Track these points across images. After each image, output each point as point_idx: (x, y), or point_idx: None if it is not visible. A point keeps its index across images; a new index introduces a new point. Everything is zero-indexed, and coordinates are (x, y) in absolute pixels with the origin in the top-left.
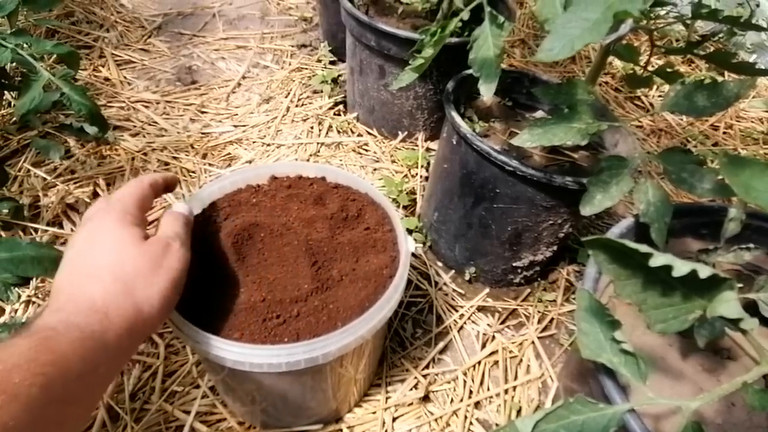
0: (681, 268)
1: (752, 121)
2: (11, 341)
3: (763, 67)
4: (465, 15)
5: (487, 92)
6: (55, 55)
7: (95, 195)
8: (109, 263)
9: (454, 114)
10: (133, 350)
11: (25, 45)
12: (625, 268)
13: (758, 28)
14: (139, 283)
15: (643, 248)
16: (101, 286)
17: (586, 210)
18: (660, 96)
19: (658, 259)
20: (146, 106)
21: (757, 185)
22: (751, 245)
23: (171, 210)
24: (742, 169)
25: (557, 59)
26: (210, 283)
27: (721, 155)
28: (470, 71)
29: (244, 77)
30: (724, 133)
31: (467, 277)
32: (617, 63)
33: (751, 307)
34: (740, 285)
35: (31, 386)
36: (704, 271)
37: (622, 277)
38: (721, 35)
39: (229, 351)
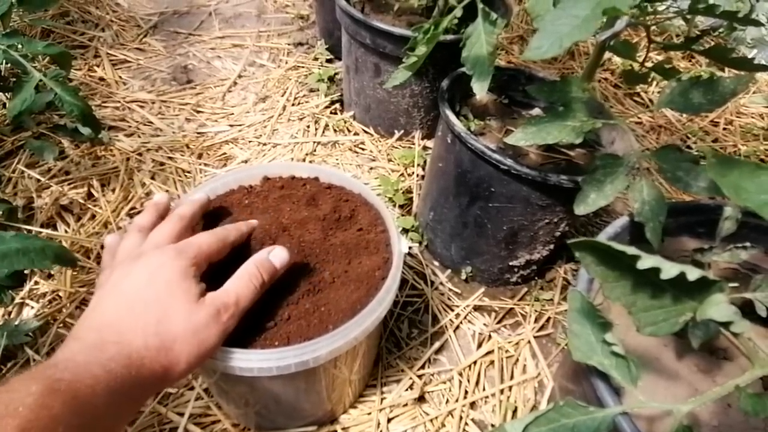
0: (669, 270)
1: (752, 117)
2: (47, 379)
3: (763, 62)
4: (458, 12)
5: (480, 90)
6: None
7: (89, 196)
8: (158, 315)
9: (449, 112)
10: (146, 400)
11: (18, 46)
12: (613, 270)
13: (756, 24)
14: (176, 346)
15: (631, 250)
16: (143, 339)
17: (580, 209)
18: (659, 92)
19: (646, 262)
20: (141, 106)
21: (747, 186)
22: (748, 244)
23: (262, 257)
24: (730, 170)
25: (546, 57)
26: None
27: (709, 156)
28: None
29: (240, 76)
30: (725, 129)
31: (463, 277)
32: (617, 59)
33: (747, 307)
34: (736, 284)
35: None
36: (693, 274)
37: (610, 279)
38: (721, 30)
39: (219, 356)
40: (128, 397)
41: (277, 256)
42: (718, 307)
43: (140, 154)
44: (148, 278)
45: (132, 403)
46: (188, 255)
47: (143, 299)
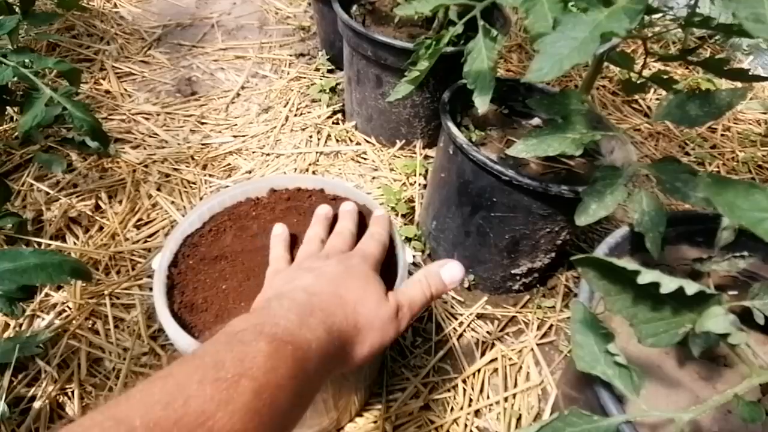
0: (668, 284)
1: (750, 123)
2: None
3: (759, 69)
4: (459, 29)
5: (481, 105)
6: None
7: (97, 208)
8: (356, 299)
9: (450, 124)
10: (329, 378)
11: (27, 62)
12: (614, 284)
13: (751, 36)
14: (366, 330)
15: (631, 266)
16: (344, 314)
17: (581, 220)
18: (657, 99)
19: (646, 276)
20: (147, 118)
21: (741, 204)
22: (746, 253)
23: (433, 270)
24: (725, 189)
25: (547, 79)
26: (212, 297)
27: (704, 176)
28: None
29: (243, 87)
30: (722, 135)
31: (466, 285)
32: (614, 67)
33: (747, 314)
34: (735, 293)
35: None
36: (691, 288)
37: (612, 293)
38: (717, 38)
39: None
40: (326, 369)
41: (448, 272)
42: (716, 320)
43: (146, 166)
44: (345, 270)
45: (326, 375)
46: (373, 259)
47: (345, 284)
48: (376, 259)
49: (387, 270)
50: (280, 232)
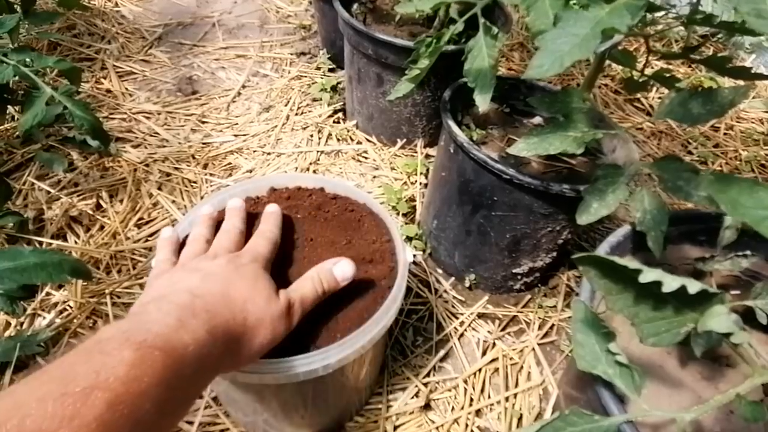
0: (671, 283)
1: (752, 122)
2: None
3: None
4: (459, 27)
5: (482, 103)
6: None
7: (98, 207)
8: (245, 297)
9: (451, 123)
10: (213, 378)
11: (27, 61)
12: (616, 283)
13: (753, 33)
14: (256, 327)
15: (633, 264)
16: (231, 313)
17: (583, 219)
18: (660, 97)
19: (647, 275)
20: (147, 117)
21: (744, 202)
22: (748, 252)
23: (326, 267)
24: (729, 187)
25: (547, 76)
26: None
27: (707, 174)
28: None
29: (243, 86)
30: (725, 134)
31: (467, 284)
32: (616, 65)
33: (749, 314)
34: (737, 292)
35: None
36: (693, 287)
37: (613, 291)
38: (720, 36)
39: None
40: (208, 370)
41: (340, 269)
42: (719, 319)
43: (147, 165)
44: (234, 269)
45: (208, 376)
46: (263, 258)
47: (233, 284)
48: (266, 257)
49: (389, 270)
50: (167, 236)
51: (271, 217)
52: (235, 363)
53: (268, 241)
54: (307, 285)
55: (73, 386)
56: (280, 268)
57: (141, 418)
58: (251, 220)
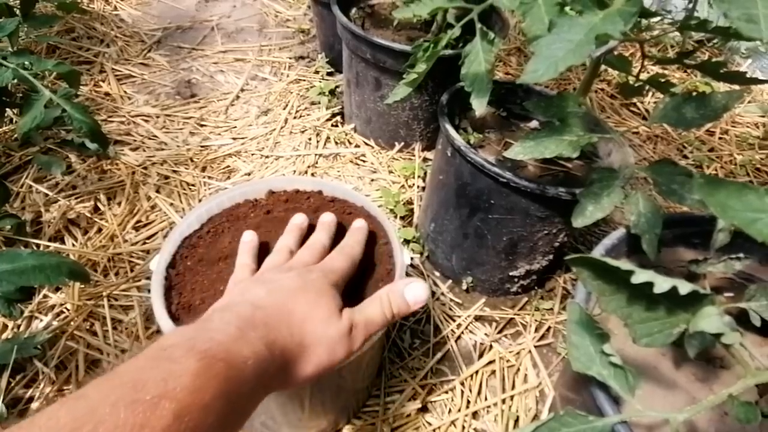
0: (662, 284)
1: (748, 126)
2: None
3: (758, 72)
4: (457, 32)
5: (479, 107)
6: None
7: (96, 210)
8: (305, 315)
9: (449, 126)
10: (265, 396)
11: (26, 64)
12: (609, 284)
13: (748, 39)
14: (312, 347)
15: (625, 266)
16: (288, 330)
17: (578, 222)
18: (656, 102)
19: (639, 276)
20: (146, 120)
21: (733, 204)
22: (742, 254)
23: (397, 289)
24: (718, 190)
25: (542, 80)
26: (210, 298)
27: (696, 177)
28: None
29: (242, 90)
30: (720, 138)
31: (464, 287)
32: (612, 70)
33: (743, 316)
34: (731, 294)
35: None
36: (684, 288)
37: (606, 293)
38: (715, 41)
39: None
40: (263, 386)
41: (412, 292)
42: (710, 320)
43: (145, 168)
44: (302, 284)
45: (262, 393)
46: (336, 275)
47: (295, 299)
48: (341, 274)
49: (386, 273)
50: (248, 240)
51: (356, 233)
52: (287, 383)
53: (346, 257)
54: (375, 306)
55: (143, 393)
56: None
57: (204, 431)
58: (337, 232)
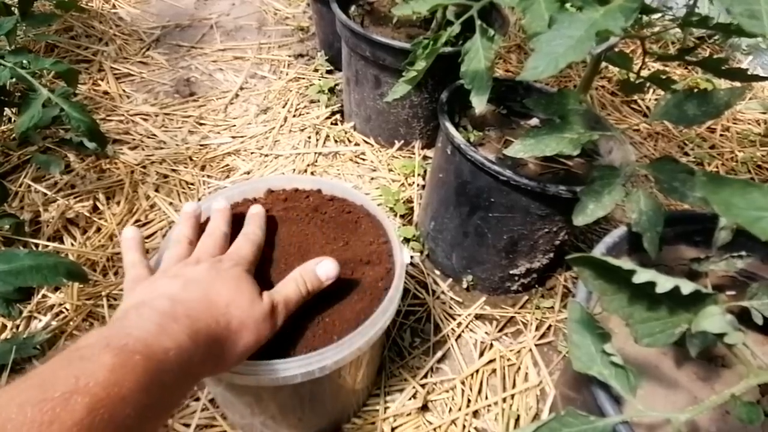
0: (664, 284)
1: (749, 123)
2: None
3: (759, 69)
4: (456, 29)
5: (478, 104)
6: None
7: (95, 209)
8: (227, 301)
9: (448, 124)
10: (197, 382)
11: (24, 63)
12: (610, 284)
13: (749, 35)
14: (239, 330)
15: (627, 265)
16: (213, 318)
17: (579, 220)
18: (656, 99)
19: (641, 276)
20: (145, 119)
21: (737, 202)
22: (744, 253)
23: (308, 267)
24: (721, 188)
25: (542, 77)
26: None
27: (700, 175)
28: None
29: (241, 88)
30: (721, 135)
31: (465, 285)
32: (613, 67)
33: (745, 314)
34: (733, 293)
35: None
36: (687, 287)
37: (608, 292)
38: (717, 38)
39: None
40: (190, 374)
41: (323, 268)
42: (712, 319)
43: (144, 167)
44: (216, 275)
45: (191, 380)
46: (246, 260)
47: (215, 289)
48: (249, 260)
49: (386, 272)
50: (130, 236)
51: (254, 218)
52: (220, 366)
53: (251, 243)
54: (291, 286)
55: (52, 392)
56: (277, 270)
57: (122, 423)
58: (241, 221)
